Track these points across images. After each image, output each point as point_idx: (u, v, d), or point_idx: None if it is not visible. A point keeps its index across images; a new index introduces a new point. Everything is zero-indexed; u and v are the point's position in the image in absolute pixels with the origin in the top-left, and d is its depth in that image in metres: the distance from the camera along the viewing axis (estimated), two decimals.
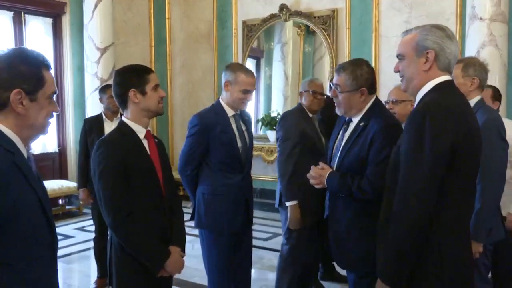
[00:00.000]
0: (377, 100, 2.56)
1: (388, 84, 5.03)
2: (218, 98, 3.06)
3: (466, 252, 1.84)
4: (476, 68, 2.71)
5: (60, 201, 6.61)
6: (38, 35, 6.70)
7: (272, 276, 4.07)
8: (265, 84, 7.71)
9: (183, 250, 2.36)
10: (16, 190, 1.37)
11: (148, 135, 2.29)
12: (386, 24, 6.24)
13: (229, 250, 3.01)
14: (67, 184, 6.55)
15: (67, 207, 6.75)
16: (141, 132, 2.26)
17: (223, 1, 7.52)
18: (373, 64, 5.66)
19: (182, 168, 3.01)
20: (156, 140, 2.36)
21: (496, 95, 3.42)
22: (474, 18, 5.08)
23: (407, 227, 1.71)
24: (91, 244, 4.63)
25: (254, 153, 6.54)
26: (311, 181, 2.58)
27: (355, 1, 6.47)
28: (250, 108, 7.35)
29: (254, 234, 5.77)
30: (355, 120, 2.53)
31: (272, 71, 7.66)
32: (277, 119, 6.51)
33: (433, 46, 1.82)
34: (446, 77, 1.85)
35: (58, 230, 1.82)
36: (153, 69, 7.69)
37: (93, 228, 4.32)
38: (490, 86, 3.52)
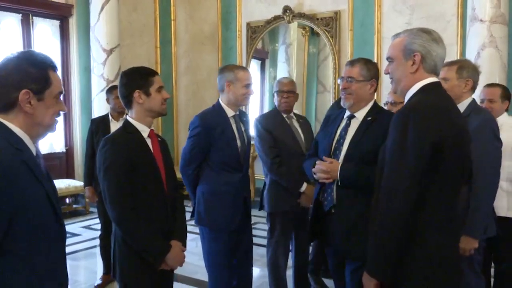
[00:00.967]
0: (375, 101, 2.71)
1: (389, 85, 5.03)
2: (218, 99, 3.15)
3: (452, 248, 1.88)
4: (469, 70, 2.77)
5: (67, 200, 6.73)
6: (45, 37, 6.82)
7: None
8: (269, 85, 7.78)
9: (184, 244, 2.45)
10: (24, 185, 1.45)
11: (151, 134, 2.39)
12: (388, 25, 6.30)
13: (229, 247, 3.08)
14: (74, 184, 6.65)
15: (73, 206, 6.87)
16: (145, 131, 2.36)
17: (227, 3, 7.62)
18: None
19: (184, 167, 3.09)
20: (159, 138, 2.46)
21: (506, 93, 3.46)
22: (475, 19, 5.13)
23: (390, 222, 1.76)
24: (97, 242, 4.73)
25: (258, 153, 6.63)
26: (320, 175, 2.60)
27: (357, 3, 6.55)
28: (254, 109, 7.49)
29: (256, 232, 5.88)
30: (360, 115, 2.62)
31: (276, 72, 7.72)
32: None
33: (419, 49, 1.90)
34: (432, 79, 1.92)
35: None
36: (159, 70, 7.83)
37: (99, 226, 4.42)
38: (499, 85, 3.58)
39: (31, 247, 1.49)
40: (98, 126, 4.25)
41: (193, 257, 4.43)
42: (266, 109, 7.68)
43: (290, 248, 3.69)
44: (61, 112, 1.62)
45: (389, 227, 1.77)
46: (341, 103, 2.70)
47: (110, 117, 4.28)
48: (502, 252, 3.22)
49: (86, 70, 6.99)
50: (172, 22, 8.06)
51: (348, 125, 2.65)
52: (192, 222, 3.24)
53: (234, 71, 3.04)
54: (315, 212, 2.73)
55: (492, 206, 2.84)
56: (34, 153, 1.57)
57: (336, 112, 2.88)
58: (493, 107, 3.35)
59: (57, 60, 1.68)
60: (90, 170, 4.20)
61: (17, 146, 1.50)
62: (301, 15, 6.90)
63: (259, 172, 6.88)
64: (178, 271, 2.98)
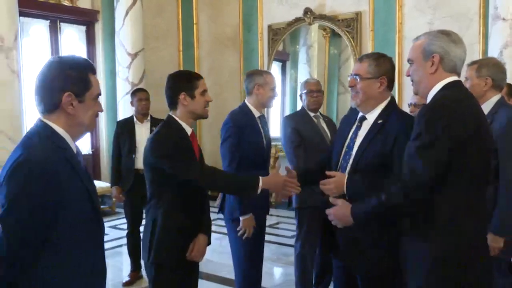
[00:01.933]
0: (393, 99, 2.49)
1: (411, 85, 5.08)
2: (244, 101, 3.31)
3: (470, 247, 1.88)
4: (489, 68, 2.76)
5: None
6: (72, 42, 7.03)
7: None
8: (290, 87, 7.83)
9: (209, 238, 2.61)
10: (67, 181, 1.56)
11: (192, 135, 2.54)
12: (410, 25, 6.29)
13: (258, 240, 3.21)
14: (100, 185, 6.78)
15: (100, 206, 7.02)
16: (188, 129, 2.51)
17: (249, 5, 7.70)
18: (396, 65, 5.68)
19: (228, 167, 3.14)
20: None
21: (510, 91, 3.39)
22: (497, 18, 5.10)
23: (404, 192, 1.86)
24: (123, 241, 4.87)
25: (280, 153, 6.69)
26: (328, 192, 2.37)
27: (378, 3, 6.55)
28: (276, 110, 7.55)
29: (280, 232, 5.93)
30: (371, 117, 2.40)
31: (297, 74, 7.78)
32: None
33: (438, 50, 1.96)
34: (453, 78, 1.97)
35: None
36: None
37: (125, 226, 4.55)
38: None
39: (73, 240, 1.59)
40: (123, 128, 4.39)
41: (218, 255, 4.54)
42: (287, 110, 7.74)
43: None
44: (99, 113, 1.73)
45: (400, 194, 1.88)
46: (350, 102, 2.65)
47: (135, 119, 4.41)
48: None
49: (112, 74, 7.15)
50: (195, 25, 8.17)
51: (359, 127, 2.45)
52: (217, 222, 3.34)
53: (263, 75, 3.25)
54: (325, 224, 2.53)
55: None
56: (75, 151, 1.68)
57: (352, 113, 2.68)
58: None
59: None
60: (117, 171, 4.34)
61: (60, 145, 1.60)
62: (322, 17, 6.93)
63: (284, 172, 6.93)
64: (202, 268, 3.07)
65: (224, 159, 3.20)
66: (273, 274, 4.66)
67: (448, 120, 1.80)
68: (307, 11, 6.98)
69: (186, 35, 8.16)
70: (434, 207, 1.85)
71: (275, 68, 7.73)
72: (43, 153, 1.53)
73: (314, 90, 3.65)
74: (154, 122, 4.39)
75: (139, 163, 4.25)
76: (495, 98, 2.76)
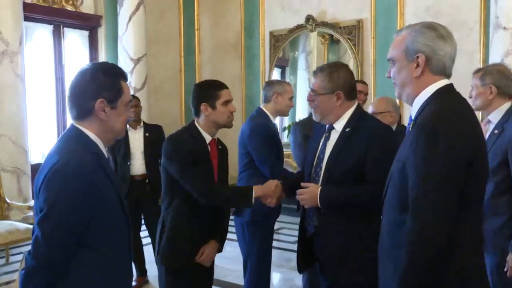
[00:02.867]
0: (360, 107, 2.44)
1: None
2: (261, 108, 3.38)
3: (484, 268, 1.69)
4: (493, 75, 2.64)
5: None
6: (75, 47, 7.04)
7: (299, 277, 4.24)
8: None
9: (221, 247, 2.67)
10: (101, 184, 1.60)
11: (212, 142, 2.57)
12: None
13: (270, 244, 3.33)
14: None
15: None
16: (207, 138, 2.54)
17: (251, 12, 7.76)
18: None
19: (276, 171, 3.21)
20: (220, 147, 2.65)
21: None
22: (498, 27, 5.17)
23: (426, 250, 1.50)
24: None
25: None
26: (303, 202, 2.39)
27: (380, 11, 6.62)
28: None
29: (282, 237, 5.95)
30: (338, 126, 2.36)
31: (296, 80, 7.82)
32: None
33: (423, 49, 1.65)
34: (444, 81, 1.69)
35: None
36: (183, 78, 8.01)
37: None
38: None
39: (107, 241, 1.63)
40: None
41: (222, 260, 4.54)
42: (287, 117, 7.78)
43: None
44: (129, 119, 1.77)
45: (424, 256, 1.51)
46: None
47: (128, 126, 4.38)
48: None
49: None
50: (196, 31, 8.22)
51: (327, 138, 2.39)
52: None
53: (282, 84, 3.44)
54: (301, 238, 2.57)
55: None
56: (106, 156, 1.71)
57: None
58: None
59: None
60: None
61: (94, 150, 1.64)
62: (324, 24, 7.00)
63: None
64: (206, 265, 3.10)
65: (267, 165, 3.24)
66: (275, 279, 4.68)
67: (454, 139, 1.52)
68: (309, 18, 7.04)
69: (187, 40, 8.20)
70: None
71: (276, 74, 7.78)
72: (80, 158, 1.57)
73: None
74: (147, 128, 4.43)
75: (135, 170, 4.29)
76: (505, 106, 2.64)
